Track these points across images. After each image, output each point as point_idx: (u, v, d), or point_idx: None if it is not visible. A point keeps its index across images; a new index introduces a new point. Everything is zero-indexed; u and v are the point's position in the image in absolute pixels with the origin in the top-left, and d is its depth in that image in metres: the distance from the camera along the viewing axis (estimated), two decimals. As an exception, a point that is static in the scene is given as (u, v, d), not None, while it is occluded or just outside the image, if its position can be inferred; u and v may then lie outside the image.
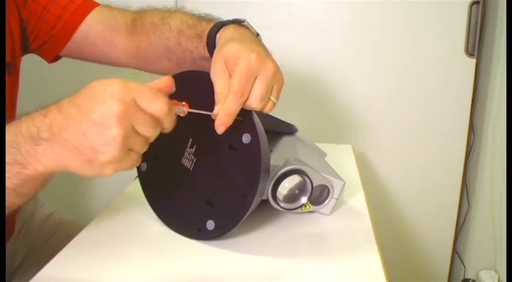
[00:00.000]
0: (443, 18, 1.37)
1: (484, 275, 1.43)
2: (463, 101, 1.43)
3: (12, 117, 0.79)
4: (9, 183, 0.52)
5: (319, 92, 1.47)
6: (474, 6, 1.35)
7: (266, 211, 0.74)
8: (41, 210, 1.00)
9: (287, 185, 0.71)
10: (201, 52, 0.78)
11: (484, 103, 1.47)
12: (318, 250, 0.69)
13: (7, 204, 0.54)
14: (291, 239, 0.71)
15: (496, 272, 1.42)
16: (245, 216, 0.63)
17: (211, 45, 0.74)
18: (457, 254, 1.59)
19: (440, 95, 1.43)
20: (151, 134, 0.52)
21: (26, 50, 0.84)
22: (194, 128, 0.68)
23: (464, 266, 1.56)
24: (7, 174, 0.51)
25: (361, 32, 1.41)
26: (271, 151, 0.82)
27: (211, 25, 0.76)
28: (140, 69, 0.89)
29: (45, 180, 0.55)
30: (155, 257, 0.64)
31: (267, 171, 0.65)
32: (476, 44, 1.38)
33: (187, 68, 0.77)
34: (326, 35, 1.42)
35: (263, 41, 1.48)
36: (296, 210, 0.73)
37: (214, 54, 0.65)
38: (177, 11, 0.86)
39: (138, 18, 0.85)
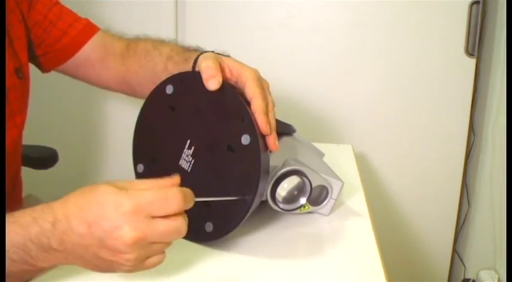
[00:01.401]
0: (443, 18, 1.37)
1: (484, 275, 1.43)
2: (463, 101, 1.43)
3: (23, 123, 0.78)
4: (15, 277, 0.51)
5: (319, 91, 1.46)
6: (474, 6, 1.35)
7: (265, 212, 0.74)
8: None
9: (286, 186, 0.71)
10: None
11: (484, 103, 1.47)
12: (318, 251, 0.69)
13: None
14: (291, 240, 0.71)
15: (496, 272, 1.42)
16: (244, 219, 0.63)
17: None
18: (457, 254, 1.59)
19: (440, 95, 1.43)
20: (170, 239, 0.51)
21: (31, 56, 0.85)
22: (192, 129, 0.68)
23: (464, 266, 1.56)
24: (13, 270, 0.50)
25: (361, 32, 1.41)
26: (270, 152, 0.81)
27: (198, 53, 0.77)
28: (127, 94, 0.91)
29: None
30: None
31: (267, 172, 0.65)
32: (476, 44, 1.37)
33: None
34: (326, 35, 1.42)
35: (263, 41, 1.49)
36: (295, 211, 0.73)
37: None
38: (171, 41, 0.89)
39: (132, 43, 0.90)
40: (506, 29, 1.30)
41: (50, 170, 1.12)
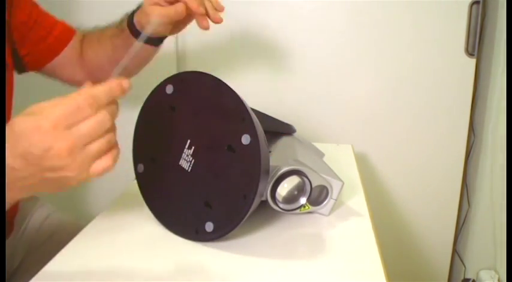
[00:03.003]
0: (443, 18, 1.37)
1: (484, 275, 1.43)
2: (463, 101, 1.43)
3: (9, 116, 0.80)
4: None
5: (319, 91, 1.46)
6: (474, 6, 1.35)
7: (265, 212, 0.74)
8: (40, 211, 1.00)
9: (286, 186, 0.71)
10: (125, 40, 0.90)
11: (484, 103, 1.47)
12: (318, 251, 0.69)
13: None
14: (291, 240, 0.71)
15: (496, 272, 1.42)
16: (245, 218, 0.63)
17: (131, 25, 0.89)
18: (457, 254, 1.59)
19: (440, 95, 1.43)
20: (102, 129, 0.51)
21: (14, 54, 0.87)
22: (192, 129, 0.68)
23: (464, 266, 1.56)
24: None
25: (361, 32, 1.41)
26: (270, 152, 0.81)
27: (127, 16, 0.91)
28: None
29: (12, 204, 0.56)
30: (153, 258, 0.64)
31: (267, 172, 0.65)
32: (476, 44, 1.37)
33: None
34: (326, 34, 1.42)
35: (263, 41, 1.48)
36: (295, 211, 0.73)
37: None
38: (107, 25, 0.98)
39: (87, 35, 0.98)
40: (506, 29, 1.30)
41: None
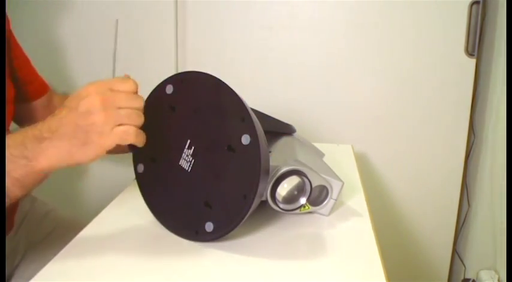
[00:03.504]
0: (443, 18, 1.37)
1: (484, 275, 1.43)
2: (463, 101, 1.43)
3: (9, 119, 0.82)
4: (15, 174, 0.60)
5: (319, 91, 1.46)
6: (474, 6, 1.35)
7: (265, 212, 0.74)
8: (40, 208, 1.01)
9: (286, 186, 0.71)
10: None
11: (484, 103, 1.47)
12: (317, 251, 0.69)
13: (10, 194, 0.62)
14: (291, 240, 0.71)
15: (496, 272, 1.42)
16: (244, 218, 0.63)
17: None
18: (457, 254, 1.59)
19: (440, 95, 1.43)
20: (133, 103, 0.61)
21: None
22: (192, 129, 0.68)
23: (464, 266, 1.56)
24: (13, 166, 0.59)
25: (361, 32, 1.41)
26: (270, 152, 0.81)
27: None
28: None
29: (46, 175, 0.63)
30: (153, 258, 0.64)
31: (267, 173, 0.65)
32: (476, 44, 1.37)
33: None
34: (326, 35, 1.42)
35: (263, 41, 1.48)
36: (295, 211, 0.73)
37: None
38: None
39: (54, 97, 1.04)
40: (506, 29, 1.30)
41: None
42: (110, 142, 0.60)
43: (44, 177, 0.63)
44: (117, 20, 0.71)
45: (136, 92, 0.63)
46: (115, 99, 0.60)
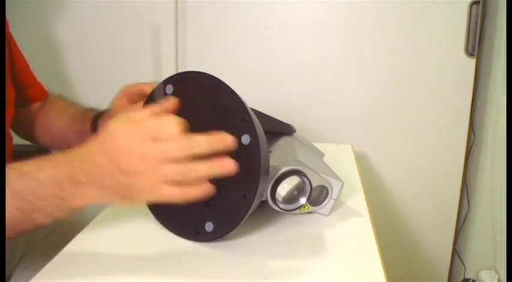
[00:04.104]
0: (443, 18, 1.37)
1: (484, 275, 1.43)
2: (463, 101, 1.43)
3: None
4: (49, 210, 0.58)
5: (319, 91, 1.46)
6: (474, 6, 1.35)
7: (265, 212, 0.74)
8: None
9: (286, 186, 0.70)
10: (84, 129, 0.89)
11: (484, 103, 1.47)
12: (317, 251, 0.69)
13: (40, 224, 0.60)
14: (291, 240, 0.71)
15: (496, 272, 1.42)
16: (244, 218, 0.63)
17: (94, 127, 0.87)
18: (457, 254, 1.59)
19: (441, 95, 1.43)
20: (180, 153, 0.55)
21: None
22: (192, 129, 0.68)
23: (464, 266, 1.56)
24: (48, 204, 0.57)
25: (361, 32, 1.41)
26: (270, 152, 0.81)
27: (94, 113, 0.89)
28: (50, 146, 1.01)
29: (76, 211, 0.61)
30: (153, 258, 0.64)
31: (267, 173, 0.65)
32: (476, 44, 1.37)
33: (72, 141, 0.88)
34: (326, 35, 1.42)
35: (263, 40, 1.49)
36: (295, 211, 0.73)
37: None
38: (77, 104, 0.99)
39: (53, 100, 1.01)
40: (506, 29, 1.30)
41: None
42: (155, 200, 0.57)
43: (74, 212, 0.61)
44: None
45: (183, 130, 0.56)
46: (161, 153, 0.55)
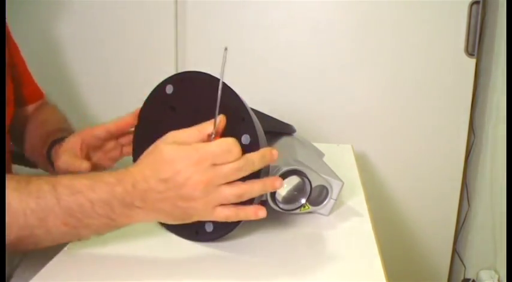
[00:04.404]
0: (443, 18, 1.37)
1: (484, 275, 1.43)
2: (463, 101, 1.43)
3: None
4: (96, 228, 0.58)
5: (319, 91, 1.46)
6: (474, 6, 1.35)
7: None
8: None
9: (286, 186, 0.71)
10: (44, 154, 0.84)
11: (484, 103, 1.47)
12: (317, 250, 0.69)
13: (82, 238, 0.61)
14: (291, 240, 0.71)
15: (496, 272, 1.42)
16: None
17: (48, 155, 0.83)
18: (457, 254, 1.59)
19: (440, 95, 1.43)
20: (238, 176, 0.57)
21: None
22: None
23: (464, 266, 1.56)
24: (96, 222, 0.57)
25: (361, 32, 1.41)
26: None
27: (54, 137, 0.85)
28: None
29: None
30: (153, 258, 0.64)
31: (266, 173, 0.65)
32: (476, 44, 1.37)
33: (39, 163, 0.88)
34: (326, 34, 1.42)
35: (263, 40, 1.48)
36: (295, 211, 0.73)
37: None
38: (60, 119, 0.96)
39: (36, 111, 0.97)
40: (506, 29, 1.30)
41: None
42: (209, 219, 0.60)
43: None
44: (226, 48, 0.66)
45: (236, 153, 0.57)
46: (219, 178, 0.56)
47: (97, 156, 0.81)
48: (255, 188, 0.59)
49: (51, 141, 0.84)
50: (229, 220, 0.59)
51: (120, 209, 0.57)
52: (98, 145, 0.80)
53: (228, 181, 0.57)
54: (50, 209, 0.55)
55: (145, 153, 0.59)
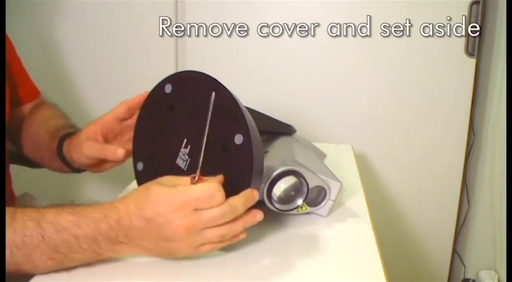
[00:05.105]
0: (443, 18, 1.37)
1: (484, 275, 1.43)
2: (463, 101, 1.42)
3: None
4: (81, 261, 0.59)
5: (320, 91, 1.46)
6: (474, 6, 1.35)
7: (263, 212, 0.74)
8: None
9: (282, 186, 0.70)
10: (53, 149, 0.84)
11: (484, 103, 1.47)
12: (317, 250, 0.69)
13: (69, 268, 0.60)
14: (290, 240, 0.71)
15: (496, 272, 1.42)
16: None
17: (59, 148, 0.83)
18: (457, 254, 1.58)
19: (440, 95, 1.43)
20: (219, 222, 0.58)
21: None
22: (189, 128, 0.68)
23: (464, 266, 1.56)
24: (81, 256, 0.58)
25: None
26: (267, 152, 0.81)
27: (65, 132, 0.85)
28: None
29: None
30: (151, 258, 0.64)
31: (260, 173, 0.65)
32: (476, 44, 1.37)
33: (44, 159, 0.87)
34: (326, 35, 1.42)
35: (263, 40, 1.48)
36: (292, 212, 0.73)
37: None
38: (63, 115, 0.95)
39: (35, 108, 0.96)
40: (506, 29, 1.30)
41: (46, 168, 1.12)
42: (190, 256, 0.60)
43: None
44: (213, 93, 0.67)
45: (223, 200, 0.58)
46: (202, 223, 0.57)
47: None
48: (237, 227, 0.59)
49: (61, 135, 0.84)
50: (217, 248, 0.61)
51: (106, 244, 0.58)
52: (117, 131, 0.80)
53: (210, 226, 0.57)
54: (35, 246, 0.55)
55: (136, 189, 0.61)
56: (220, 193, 0.57)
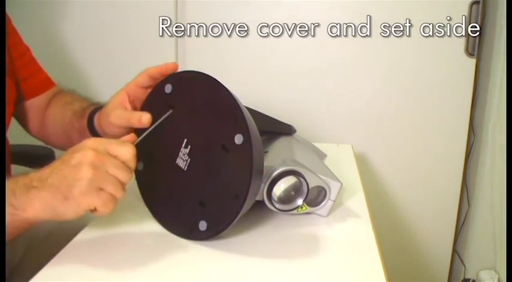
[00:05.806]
0: (443, 18, 1.37)
1: (484, 275, 1.43)
2: (463, 101, 1.43)
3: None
4: (7, 224, 0.60)
5: (319, 91, 1.46)
6: (474, 6, 1.35)
7: (262, 212, 0.74)
8: None
9: (282, 186, 0.70)
10: (83, 127, 0.87)
11: (484, 103, 1.47)
12: (317, 250, 0.69)
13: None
14: (289, 240, 0.71)
15: (496, 272, 1.42)
16: (237, 218, 0.63)
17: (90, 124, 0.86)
18: (457, 254, 1.58)
19: (440, 95, 1.43)
20: (121, 175, 0.60)
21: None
22: (189, 128, 0.68)
23: (464, 266, 1.56)
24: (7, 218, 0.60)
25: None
26: (267, 152, 0.81)
27: (92, 108, 0.88)
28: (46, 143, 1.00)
29: (29, 226, 0.63)
30: (150, 257, 0.64)
31: (260, 173, 0.65)
32: (476, 44, 1.37)
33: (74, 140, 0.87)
34: (326, 34, 1.42)
35: (263, 40, 1.48)
36: (292, 212, 0.73)
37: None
38: (85, 97, 0.97)
39: (58, 94, 0.98)
40: (506, 29, 1.30)
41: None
42: (89, 202, 0.59)
43: (28, 225, 0.63)
44: (171, 111, 0.69)
45: (131, 160, 0.61)
46: (107, 162, 0.59)
47: None
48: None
49: (90, 112, 0.86)
50: (107, 204, 0.60)
51: (20, 193, 0.59)
52: (143, 98, 0.78)
53: (113, 168, 0.59)
54: None
55: None
56: (132, 152, 0.61)
